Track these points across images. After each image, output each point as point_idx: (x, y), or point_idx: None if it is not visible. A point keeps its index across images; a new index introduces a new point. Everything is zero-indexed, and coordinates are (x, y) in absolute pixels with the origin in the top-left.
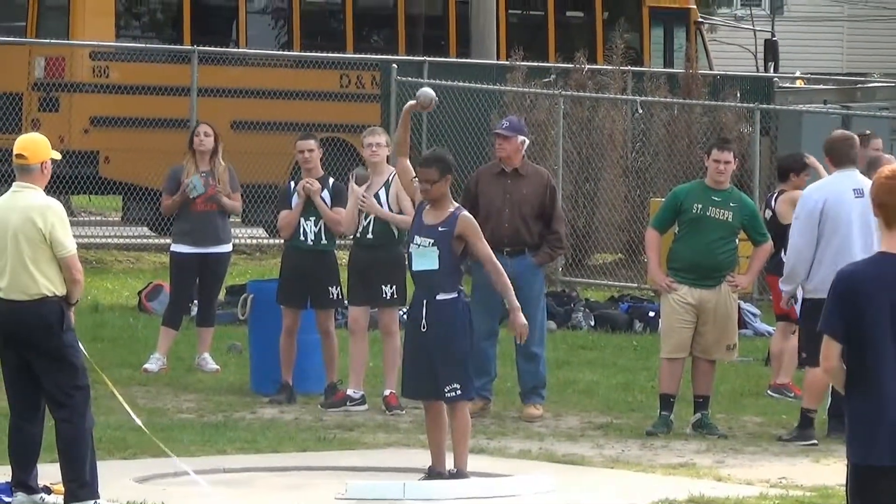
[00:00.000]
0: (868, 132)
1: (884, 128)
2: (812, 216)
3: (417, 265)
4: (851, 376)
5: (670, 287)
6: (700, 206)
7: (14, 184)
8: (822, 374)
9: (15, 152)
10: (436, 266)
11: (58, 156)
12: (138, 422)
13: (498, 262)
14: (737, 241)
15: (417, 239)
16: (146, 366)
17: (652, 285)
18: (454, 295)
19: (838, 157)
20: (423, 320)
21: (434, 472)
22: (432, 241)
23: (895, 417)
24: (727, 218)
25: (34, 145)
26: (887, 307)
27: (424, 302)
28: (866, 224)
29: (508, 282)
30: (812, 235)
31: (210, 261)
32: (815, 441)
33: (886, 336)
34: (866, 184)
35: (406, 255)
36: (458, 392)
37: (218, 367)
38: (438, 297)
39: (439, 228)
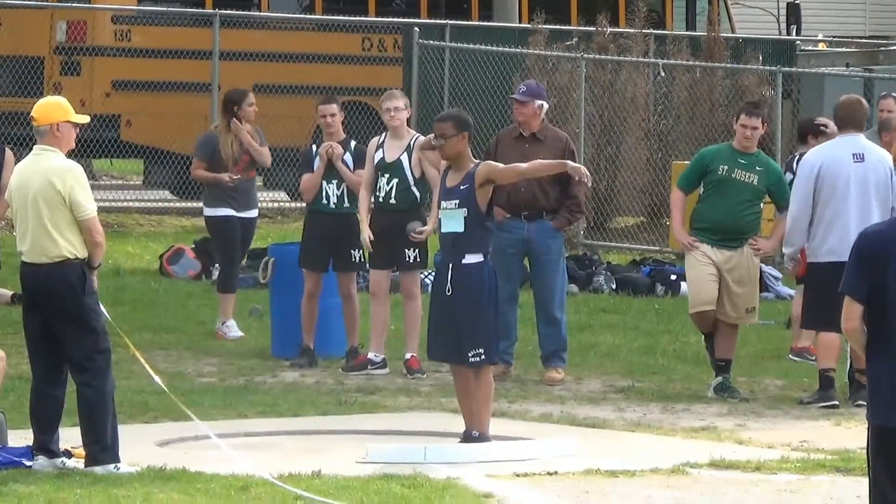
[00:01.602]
0: (885, 94)
1: None
2: (808, 180)
3: (445, 227)
4: (873, 338)
5: (693, 245)
6: (726, 167)
7: (34, 147)
8: (844, 333)
9: (30, 115)
10: (461, 228)
11: (84, 119)
12: (161, 384)
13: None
14: (761, 205)
15: (444, 203)
16: (230, 334)
17: (674, 245)
18: (480, 258)
19: (842, 121)
20: (449, 283)
21: (469, 436)
22: (457, 202)
23: None
24: (753, 181)
25: (45, 107)
26: None
27: (451, 265)
28: (864, 188)
29: (542, 162)
30: (807, 200)
31: (244, 226)
32: (837, 402)
33: None
34: (868, 148)
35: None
36: (483, 357)
37: (242, 334)
38: (465, 261)
39: (461, 187)
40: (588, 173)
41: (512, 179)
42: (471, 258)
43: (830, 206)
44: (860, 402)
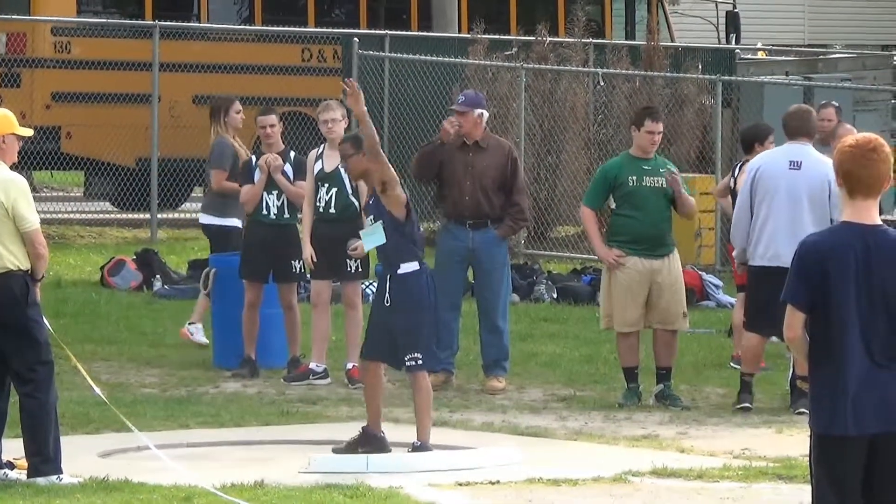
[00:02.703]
0: (825, 102)
1: (846, 99)
2: (746, 185)
3: (368, 244)
4: (815, 346)
5: (619, 260)
6: (634, 178)
7: None
8: (786, 341)
9: None
10: (383, 239)
11: (28, 132)
12: (101, 396)
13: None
14: (671, 207)
15: (365, 222)
16: (195, 337)
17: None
18: (416, 266)
19: (794, 130)
20: (388, 294)
21: (369, 434)
22: (371, 217)
23: (858, 387)
24: (661, 184)
25: None
26: (851, 276)
27: (388, 276)
28: (796, 196)
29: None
30: (745, 205)
31: (234, 234)
32: (750, 405)
33: (850, 305)
34: (809, 157)
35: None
36: (419, 361)
37: (207, 341)
38: (400, 271)
39: (370, 202)
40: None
41: (377, 153)
42: (406, 267)
43: (763, 212)
44: (802, 410)
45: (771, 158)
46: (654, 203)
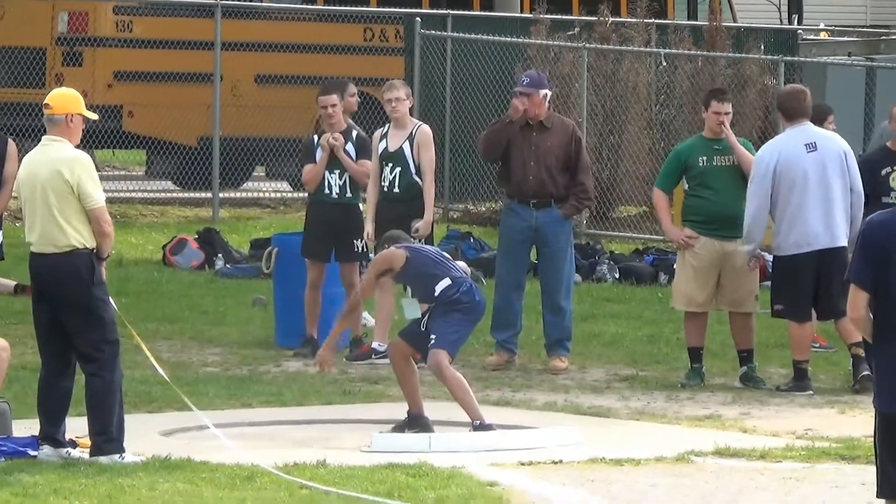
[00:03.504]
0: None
1: None
2: (765, 178)
3: (408, 314)
4: (878, 326)
5: (688, 240)
6: (704, 158)
7: (43, 137)
8: (849, 322)
9: (44, 102)
10: (419, 314)
11: (94, 116)
12: (164, 375)
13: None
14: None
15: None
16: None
17: (669, 239)
18: (448, 282)
19: (789, 111)
20: (426, 319)
21: (413, 415)
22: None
23: None
24: (734, 162)
25: (62, 97)
26: None
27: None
28: (822, 177)
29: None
30: (765, 197)
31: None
32: (812, 391)
33: None
34: (820, 135)
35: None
36: (433, 339)
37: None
38: (436, 294)
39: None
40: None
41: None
42: (438, 288)
43: (792, 202)
44: (865, 374)
45: (785, 146)
46: (725, 182)
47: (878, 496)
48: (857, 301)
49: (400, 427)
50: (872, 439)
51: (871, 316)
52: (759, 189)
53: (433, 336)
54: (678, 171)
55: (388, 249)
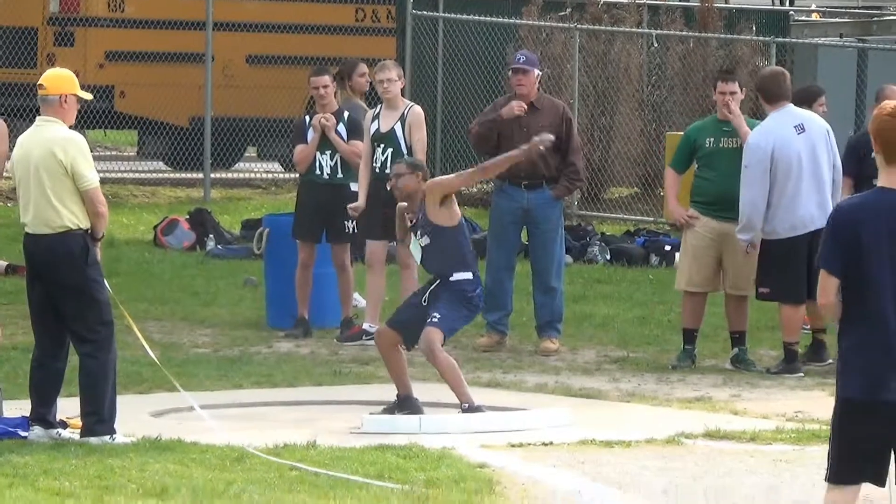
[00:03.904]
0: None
1: None
2: (763, 164)
3: (417, 259)
4: (847, 312)
5: (689, 219)
6: (712, 139)
7: (37, 118)
8: (820, 307)
9: (38, 83)
10: (420, 256)
11: (88, 96)
12: (153, 356)
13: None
14: None
15: (412, 238)
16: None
17: (669, 219)
18: (469, 276)
19: (771, 94)
20: (426, 295)
21: (402, 397)
22: (415, 234)
23: (891, 353)
24: (740, 144)
25: (56, 77)
26: (884, 242)
27: (438, 281)
28: (813, 157)
29: (500, 158)
30: (765, 184)
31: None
32: (802, 374)
33: (884, 271)
34: (805, 116)
35: None
36: (436, 319)
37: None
38: (452, 278)
39: (419, 217)
40: (549, 136)
41: (467, 184)
42: (458, 276)
43: (789, 186)
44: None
45: (777, 130)
46: (727, 164)
47: (827, 480)
48: (828, 287)
49: (390, 409)
50: (831, 422)
51: (840, 301)
52: (756, 175)
53: (436, 315)
54: (688, 152)
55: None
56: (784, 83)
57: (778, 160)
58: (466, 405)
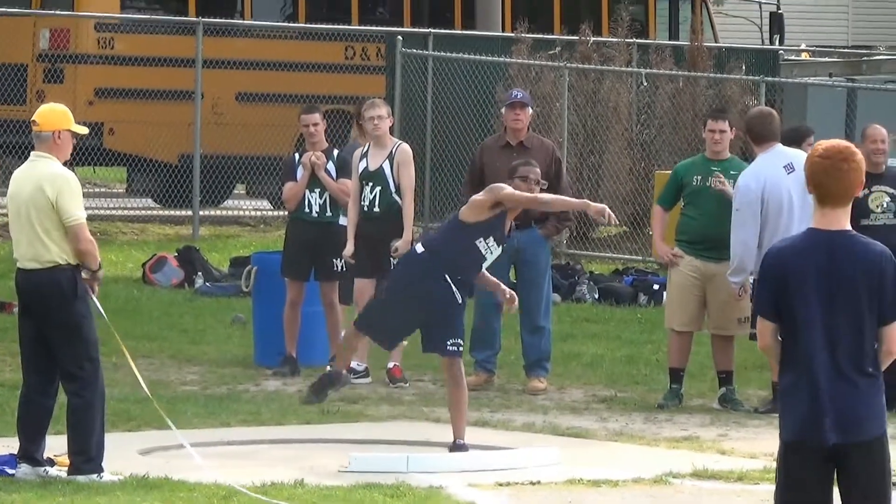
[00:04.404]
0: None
1: (889, 101)
2: (753, 206)
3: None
4: (784, 354)
5: (674, 257)
6: (700, 177)
7: (31, 153)
8: (760, 350)
9: (31, 119)
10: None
11: (83, 130)
12: (147, 391)
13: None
14: None
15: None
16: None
17: (656, 258)
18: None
19: (759, 135)
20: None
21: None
22: (500, 246)
23: (821, 395)
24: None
25: (49, 113)
26: (812, 284)
27: (446, 276)
28: (803, 197)
29: (563, 199)
30: (756, 226)
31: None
32: None
33: (813, 313)
34: (793, 155)
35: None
36: (461, 347)
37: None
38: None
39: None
40: (613, 215)
41: (531, 207)
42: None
43: (780, 225)
44: (761, 410)
45: (769, 172)
46: (714, 204)
47: None
48: (763, 330)
49: (322, 383)
50: (776, 462)
51: (779, 344)
52: (747, 217)
53: (459, 342)
54: (675, 189)
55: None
56: (771, 123)
57: (768, 201)
58: (460, 441)
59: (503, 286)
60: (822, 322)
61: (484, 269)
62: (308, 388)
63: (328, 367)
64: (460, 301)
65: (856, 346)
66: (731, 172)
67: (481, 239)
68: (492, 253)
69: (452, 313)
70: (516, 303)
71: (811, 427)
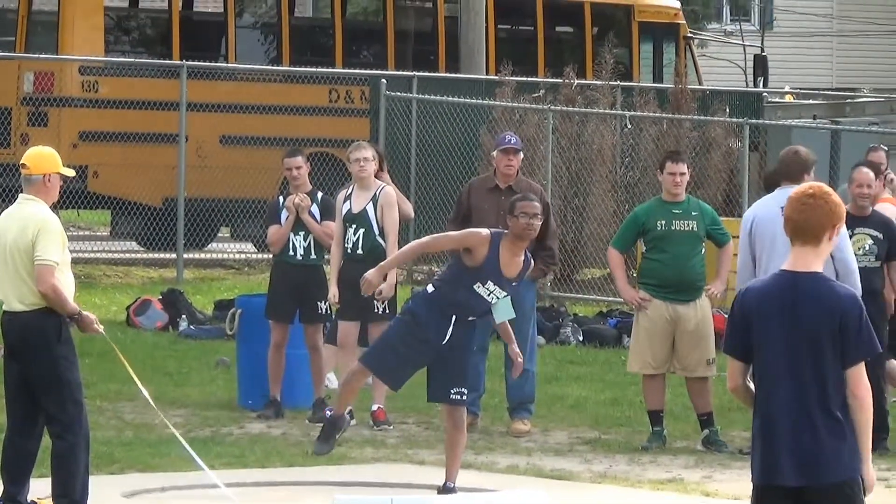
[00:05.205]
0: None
1: (873, 143)
2: (744, 237)
3: (500, 317)
4: (756, 396)
5: (643, 301)
6: (664, 222)
7: (20, 195)
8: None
9: (21, 162)
10: (513, 313)
11: (71, 172)
12: (171, 427)
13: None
14: (703, 249)
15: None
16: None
17: (626, 301)
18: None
19: (779, 172)
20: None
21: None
22: (505, 293)
23: (786, 437)
24: (692, 228)
25: (38, 157)
26: (776, 325)
27: (454, 318)
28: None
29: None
30: (747, 255)
31: None
32: None
33: (778, 355)
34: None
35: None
36: (464, 397)
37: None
38: (471, 318)
39: (513, 284)
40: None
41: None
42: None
43: (764, 261)
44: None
45: (763, 206)
46: (681, 247)
47: None
48: (733, 371)
49: (330, 429)
50: None
51: (749, 386)
52: (742, 248)
53: (463, 390)
54: (635, 234)
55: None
56: (791, 165)
57: (756, 235)
58: (450, 485)
59: (516, 348)
60: (786, 364)
61: (500, 317)
62: (316, 441)
63: (311, 410)
64: (470, 344)
65: (819, 389)
66: (693, 213)
67: (479, 283)
68: (497, 297)
69: (462, 357)
70: (520, 371)
71: (774, 469)
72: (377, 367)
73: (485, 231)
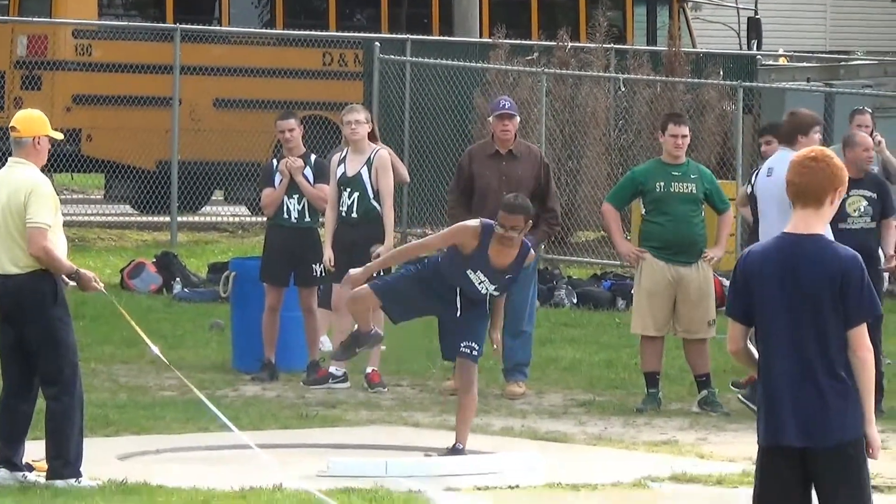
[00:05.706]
0: (860, 108)
1: (867, 105)
2: (744, 198)
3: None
4: (761, 359)
5: (640, 255)
6: (662, 183)
7: (9, 159)
8: (730, 355)
9: (10, 125)
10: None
11: (59, 135)
12: (160, 355)
13: None
14: (702, 212)
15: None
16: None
17: (621, 256)
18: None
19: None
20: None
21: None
22: (495, 286)
23: (788, 399)
24: (691, 190)
25: (28, 119)
26: (777, 287)
27: (458, 290)
28: (779, 201)
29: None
30: (748, 216)
31: None
32: None
33: (780, 317)
34: (780, 160)
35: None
36: (475, 352)
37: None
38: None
39: (506, 277)
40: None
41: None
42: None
43: (763, 223)
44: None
45: (759, 172)
46: (681, 209)
47: None
48: (734, 333)
49: (349, 344)
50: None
51: (750, 349)
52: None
53: (475, 345)
54: (630, 192)
55: (469, 221)
56: (784, 124)
57: (754, 196)
58: (460, 445)
59: (497, 335)
60: (787, 326)
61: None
62: (337, 347)
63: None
64: (481, 310)
65: (821, 351)
66: (692, 176)
67: (470, 270)
68: (486, 288)
69: (473, 319)
70: (499, 352)
71: (779, 431)
72: (384, 295)
73: (474, 223)
